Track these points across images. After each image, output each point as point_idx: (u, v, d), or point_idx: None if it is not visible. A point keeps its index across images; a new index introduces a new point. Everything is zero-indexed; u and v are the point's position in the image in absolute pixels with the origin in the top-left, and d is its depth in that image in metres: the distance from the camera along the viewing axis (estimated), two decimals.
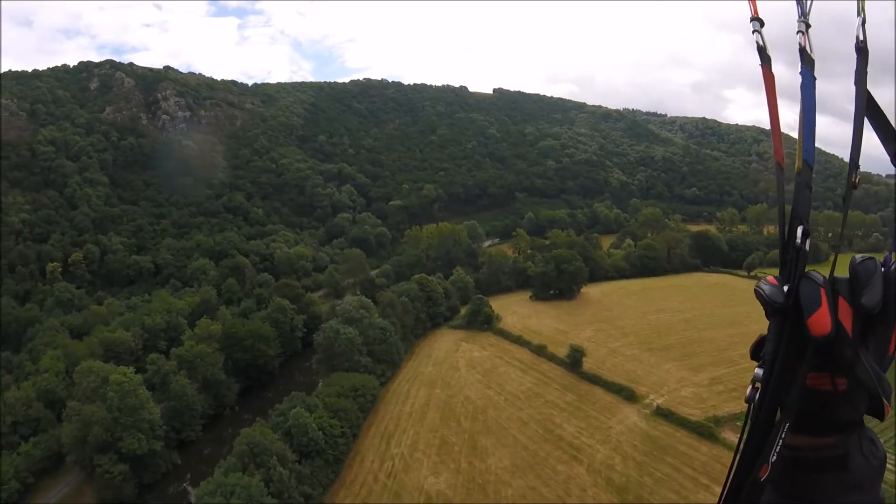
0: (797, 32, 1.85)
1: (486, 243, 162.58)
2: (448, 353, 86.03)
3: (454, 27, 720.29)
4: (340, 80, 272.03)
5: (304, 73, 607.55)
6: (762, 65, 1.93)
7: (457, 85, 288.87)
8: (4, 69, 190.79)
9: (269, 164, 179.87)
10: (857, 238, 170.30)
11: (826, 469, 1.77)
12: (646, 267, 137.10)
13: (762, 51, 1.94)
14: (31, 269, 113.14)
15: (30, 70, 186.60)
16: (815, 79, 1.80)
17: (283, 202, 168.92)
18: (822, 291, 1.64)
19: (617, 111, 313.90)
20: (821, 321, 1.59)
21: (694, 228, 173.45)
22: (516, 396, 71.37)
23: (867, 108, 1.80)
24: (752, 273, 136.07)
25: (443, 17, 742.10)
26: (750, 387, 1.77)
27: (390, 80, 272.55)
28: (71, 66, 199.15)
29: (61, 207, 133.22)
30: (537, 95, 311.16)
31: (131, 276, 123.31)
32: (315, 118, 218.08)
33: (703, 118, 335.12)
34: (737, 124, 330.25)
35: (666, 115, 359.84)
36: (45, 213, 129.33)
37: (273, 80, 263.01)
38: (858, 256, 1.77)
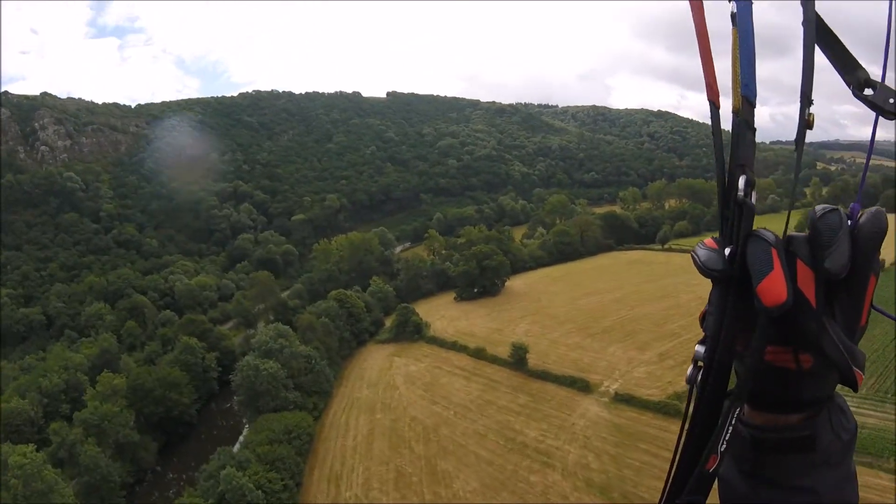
0: None
1: (399, 248, 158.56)
2: (382, 372, 78.58)
3: (340, 32, 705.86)
4: (229, 95, 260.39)
5: (191, 90, 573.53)
6: None
7: (349, 91, 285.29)
8: None
9: (159, 188, 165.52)
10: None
11: (791, 450, 1.52)
12: (562, 253, 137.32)
13: None
14: None
15: None
16: (751, 6, 1.45)
17: (178, 229, 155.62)
18: (774, 252, 1.34)
19: (511, 105, 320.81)
20: (774, 288, 1.29)
21: (600, 211, 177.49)
22: (466, 408, 65.67)
23: (818, 34, 1.49)
24: (667, 245, 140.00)
25: (327, 21, 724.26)
26: (691, 366, 1.47)
27: (280, 91, 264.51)
28: None
29: None
30: (431, 96, 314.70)
31: (21, 333, 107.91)
32: (205, 136, 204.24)
33: (594, 106, 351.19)
34: (626, 108, 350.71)
35: (557, 106, 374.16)
36: None
37: (157, 101, 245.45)
38: (819, 208, 1.44)
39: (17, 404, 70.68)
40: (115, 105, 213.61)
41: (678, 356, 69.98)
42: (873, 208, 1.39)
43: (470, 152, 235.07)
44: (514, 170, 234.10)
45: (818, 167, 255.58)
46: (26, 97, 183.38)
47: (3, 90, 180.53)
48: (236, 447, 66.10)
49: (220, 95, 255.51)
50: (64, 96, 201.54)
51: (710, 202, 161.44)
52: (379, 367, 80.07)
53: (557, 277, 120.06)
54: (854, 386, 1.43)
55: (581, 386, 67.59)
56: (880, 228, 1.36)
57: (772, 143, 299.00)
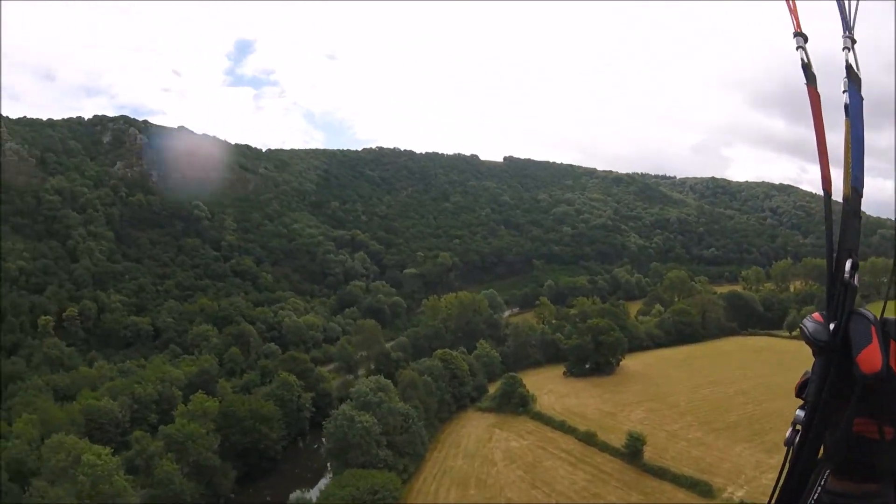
0: (843, 49, 1.66)
1: (507, 313, 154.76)
2: (480, 443, 74.24)
3: (461, 98, 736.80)
4: (353, 149, 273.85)
5: (316, 142, 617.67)
6: (807, 84, 1.73)
7: (468, 153, 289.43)
8: (19, 115, 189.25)
9: (281, 228, 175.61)
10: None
11: None
12: (681, 333, 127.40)
13: (807, 68, 1.74)
14: (23, 320, 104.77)
15: (44, 119, 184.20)
16: (862, 98, 1.63)
17: (294, 268, 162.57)
18: (873, 329, 1.49)
19: (627, 175, 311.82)
20: (871, 358, 1.45)
21: (721, 290, 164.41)
22: (569, 498, 59.81)
23: None
24: (795, 333, 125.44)
25: (447, 86, 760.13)
26: (790, 429, 1.68)
27: (402, 149, 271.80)
28: (86, 118, 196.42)
29: (62, 259, 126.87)
30: (547, 162, 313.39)
31: (128, 338, 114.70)
32: (328, 184, 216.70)
33: (713, 177, 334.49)
34: (746, 181, 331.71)
35: (675, 177, 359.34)
36: (44, 262, 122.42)
37: (287, 147, 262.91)
38: None
39: (107, 403, 74.33)
40: (247, 147, 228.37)
41: None
42: None
43: (585, 220, 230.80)
44: (629, 241, 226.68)
45: None
46: (164, 128, 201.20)
47: (143, 119, 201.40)
48: (315, 492, 64.68)
49: (345, 148, 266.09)
50: (199, 133, 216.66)
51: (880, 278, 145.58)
52: (477, 437, 75.93)
53: (677, 361, 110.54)
54: None
55: (703, 489, 59.62)
56: None
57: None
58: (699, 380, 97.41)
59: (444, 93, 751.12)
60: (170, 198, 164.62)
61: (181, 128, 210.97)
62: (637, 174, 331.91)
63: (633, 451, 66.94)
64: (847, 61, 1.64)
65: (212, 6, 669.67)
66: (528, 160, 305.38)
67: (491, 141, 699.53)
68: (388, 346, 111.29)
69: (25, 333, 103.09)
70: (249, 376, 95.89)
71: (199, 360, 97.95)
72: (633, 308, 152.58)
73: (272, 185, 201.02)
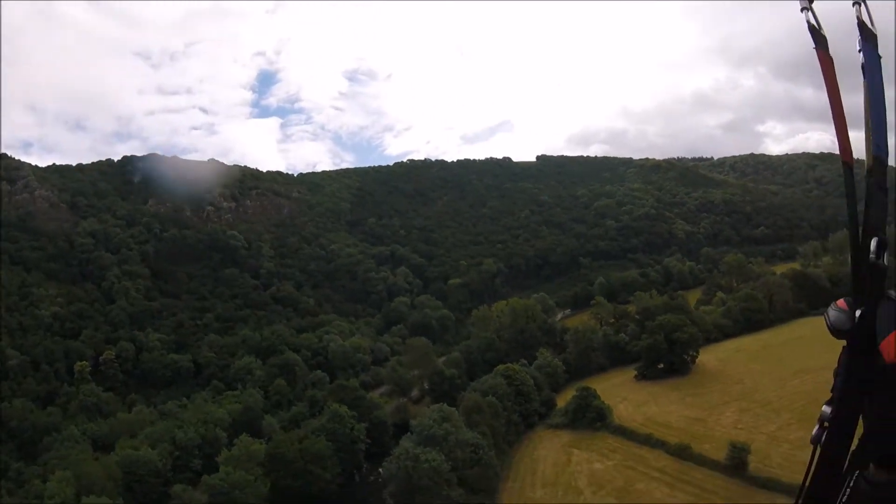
0: (853, 4, 1.53)
1: (559, 316, 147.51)
2: (559, 467, 66.19)
3: (484, 102, 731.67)
4: (384, 165, 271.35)
5: (346, 164, 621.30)
6: (816, 47, 1.59)
7: (500, 157, 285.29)
8: (47, 163, 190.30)
9: (318, 250, 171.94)
10: None
11: None
12: (749, 321, 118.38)
13: (815, 31, 1.61)
14: (58, 367, 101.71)
15: (74, 164, 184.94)
16: (880, 57, 1.47)
17: (335, 289, 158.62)
18: None
19: (665, 161, 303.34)
20: (893, 346, 1.36)
21: (778, 269, 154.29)
22: None
23: None
24: None
25: (469, 93, 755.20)
26: (816, 426, 1.61)
27: (433, 160, 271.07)
28: (115, 160, 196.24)
29: (97, 301, 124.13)
30: (581, 157, 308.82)
31: (168, 377, 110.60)
32: (362, 202, 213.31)
33: (752, 154, 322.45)
34: (787, 154, 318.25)
35: (713, 158, 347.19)
36: (79, 306, 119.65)
37: (318, 170, 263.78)
38: None
39: (146, 453, 69.33)
40: (279, 173, 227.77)
41: None
42: None
43: (628, 212, 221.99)
44: (676, 228, 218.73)
45: None
46: (195, 162, 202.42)
47: (173, 155, 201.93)
48: None
49: (376, 165, 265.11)
50: (230, 164, 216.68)
51: None
52: (554, 461, 68.07)
53: (754, 352, 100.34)
54: None
55: None
56: None
57: None
58: (783, 370, 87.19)
59: (466, 98, 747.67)
60: (204, 230, 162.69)
61: (212, 160, 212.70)
62: (674, 159, 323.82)
63: (736, 463, 58.44)
64: (858, 17, 1.51)
65: (232, 38, 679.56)
66: (562, 157, 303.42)
67: (521, 143, 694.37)
68: (440, 362, 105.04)
69: (61, 381, 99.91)
70: (297, 408, 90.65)
71: (243, 394, 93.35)
72: (691, 298, 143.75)
73: (306, 207, 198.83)
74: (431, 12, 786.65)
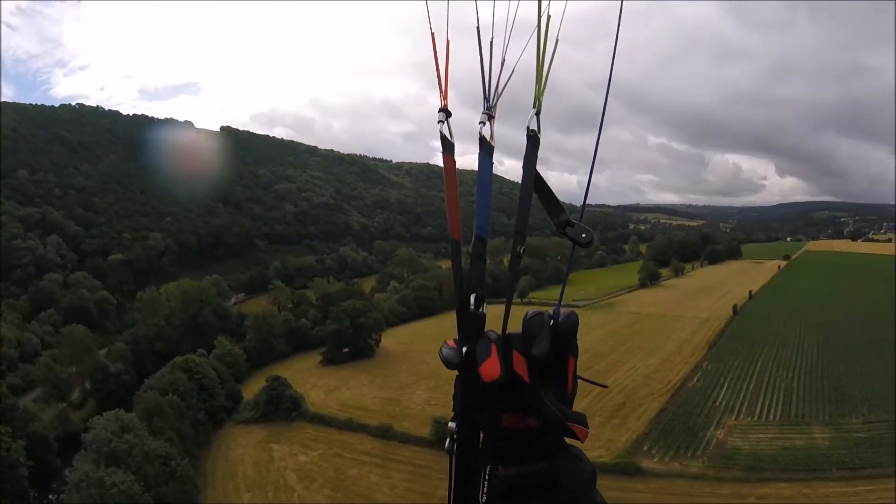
0: (479, 123, 1.95)
1: (233, 300, 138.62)
2: (261, 466, 58.83)
3: (173, 57, 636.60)
4: (49, 105, 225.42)
5: (4, 98, 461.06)
6: (444, 153, 1.99)
7: (181, 119, 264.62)
8: None
9: None
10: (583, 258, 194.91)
11: (539, 490, 1.86)
12: (422, 308, 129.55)
13: (446, 140, 2.00)
14: None
15: None
16: (492, 164, 1.97)
17: None
18: (493, 346, 1.74)
19: (349, 155, 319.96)
20: (489, 369, 1.70)
21: (443, 265, 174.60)
22: None
23: (536, 186, 1.97)
24: (526, 299, 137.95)
25: (161, 43, 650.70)
26: (448, 440, 1.89)
27: (107, 109, 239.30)
28: None
29: None
30: (267, 137, 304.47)
31: None
32: (16, 148, 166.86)
33: (427, 163, 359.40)
34: (459, 169, 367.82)
35: (391, 161, 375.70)
36: None
37: None
38: (530, 312, 1.85)
39: None
40: None
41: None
42: (568, 310, 1.82)
43: (308, 199, 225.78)
44: (353, 220, 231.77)
45: (630, 227, 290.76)
46: None
47: None
48: None
49: (38, 104, 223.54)
50: None
51: (546, 257, 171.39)
52: (255, 460, 60.45)
53: (431, 335, 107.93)
54: (576, 437, 1.84)
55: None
56: (572, 324, 1.81)
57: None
58: None
59: (152, 45, 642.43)
60: None
61: None
62: (357, 155, 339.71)
63: (442, 437, 60.33)
64: (480, 133, 1.95)
65: None
66: (248, 133, 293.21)
67: (205, 110, 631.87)
68: (101, 356, 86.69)
69: None
70: None
71: None
72: (366, 285, 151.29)
73: None
74: None
